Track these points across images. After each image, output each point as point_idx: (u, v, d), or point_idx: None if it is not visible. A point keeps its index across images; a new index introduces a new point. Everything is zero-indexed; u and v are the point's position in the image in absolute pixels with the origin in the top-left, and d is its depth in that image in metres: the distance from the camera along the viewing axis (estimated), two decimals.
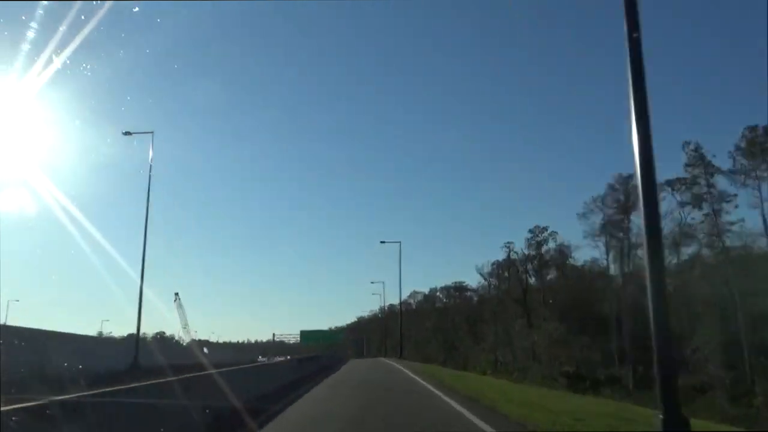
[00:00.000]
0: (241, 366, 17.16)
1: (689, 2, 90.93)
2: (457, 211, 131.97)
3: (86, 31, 11.28)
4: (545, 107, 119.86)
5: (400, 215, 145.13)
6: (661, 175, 43.81)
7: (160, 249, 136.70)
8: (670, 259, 47.97)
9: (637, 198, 6.59)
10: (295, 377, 22.07)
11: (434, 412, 12.29)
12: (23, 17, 10.15)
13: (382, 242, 65.04)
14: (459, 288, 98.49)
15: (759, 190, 42.75)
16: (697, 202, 46.94)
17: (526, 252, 72.50)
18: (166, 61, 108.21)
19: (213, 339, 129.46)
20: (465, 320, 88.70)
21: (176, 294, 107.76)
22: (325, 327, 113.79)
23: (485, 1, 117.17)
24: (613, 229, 55.71)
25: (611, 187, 54.94)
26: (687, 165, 47.24)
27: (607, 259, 58.16)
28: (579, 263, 66.80)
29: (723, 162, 45.63)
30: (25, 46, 10.24)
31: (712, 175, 46.11)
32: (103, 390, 6.83)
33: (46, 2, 9.72)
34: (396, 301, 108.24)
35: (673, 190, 47.92)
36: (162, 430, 7.60)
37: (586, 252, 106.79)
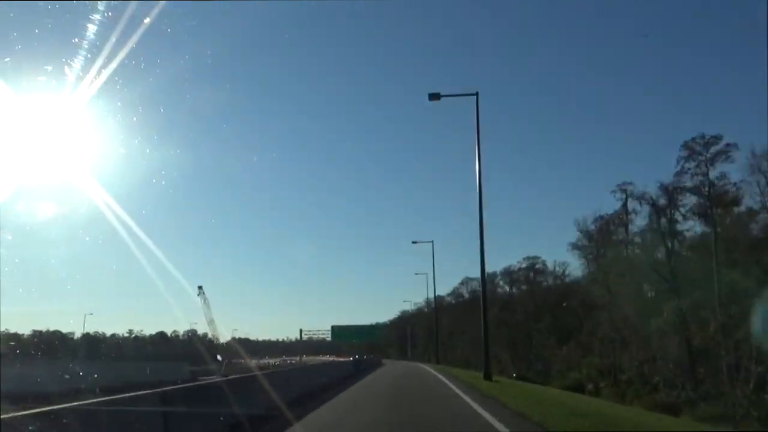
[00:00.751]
0: None
1: None
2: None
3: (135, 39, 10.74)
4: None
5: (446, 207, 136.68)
6: None
7: (189, 245, 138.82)
8: None
9: None
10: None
11: None
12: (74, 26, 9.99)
13: (413, 242, 57.15)
14: (532, 268, 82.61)
15: None
16: None
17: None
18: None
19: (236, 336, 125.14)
20: (545, 310, 70.66)
21: (200, 287, 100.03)
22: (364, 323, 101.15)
23: None
24: None
25: None
26: None
27: None
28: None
29: None
30: (81, 54, 9.97)
31: None
32: None
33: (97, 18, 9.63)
34: (448, 291, 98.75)
35: None
36: None
37: None
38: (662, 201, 47.57)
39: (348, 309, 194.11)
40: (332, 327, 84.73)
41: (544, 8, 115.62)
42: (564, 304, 64.63)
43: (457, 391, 18.29)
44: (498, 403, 13.68)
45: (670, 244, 46.56)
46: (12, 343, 69.94)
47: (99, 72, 10.49)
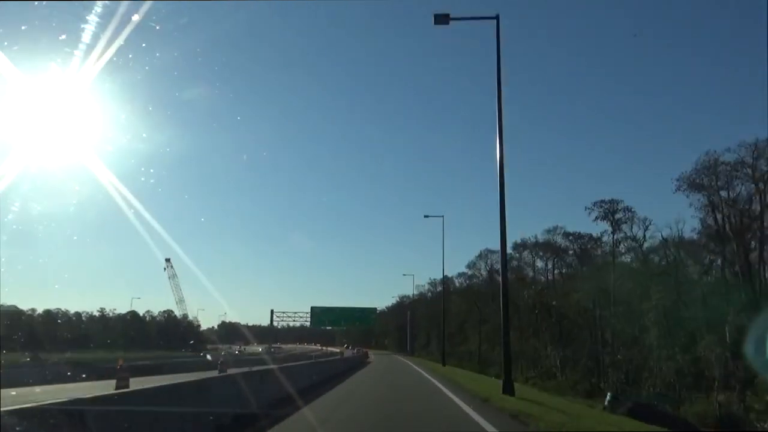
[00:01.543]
0: None
1: None
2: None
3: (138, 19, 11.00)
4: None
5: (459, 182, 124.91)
6: None
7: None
8: None
9: None
10: None
11: None
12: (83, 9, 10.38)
13: (425, 216, 49.32)
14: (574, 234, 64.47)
15: None
16: None
17: None
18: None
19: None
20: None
21: (167, 260, 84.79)
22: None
23: None
24: None
25: None
26: None
27: None
28: None
29: None
30: (87, 34, 10.31)
31: None
32: None
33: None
34: (458, 270, 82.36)
35: None
36: None
37: None
38: None
39: (341, 294, 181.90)
40: (312, 309, 69.59)
41: None
42: None
43: None
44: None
45: None
46: None
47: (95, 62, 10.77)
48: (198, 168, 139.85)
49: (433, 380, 24.21)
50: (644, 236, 50.85)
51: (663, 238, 48.68)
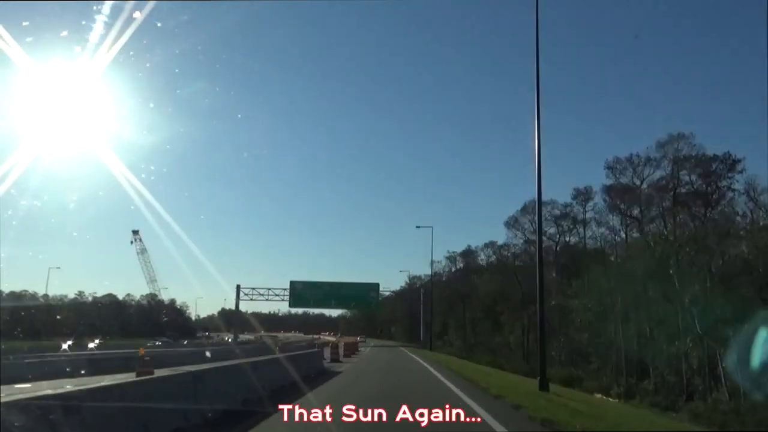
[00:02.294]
0: None
1: None
2: None
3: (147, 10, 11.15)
4: None
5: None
6: None
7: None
8: None
9: None
10: None
11: None
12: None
13: (417, 227, 51.87)
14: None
15: None
16: None
17: None
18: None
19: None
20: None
21: (134, 232, 70.99)
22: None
23: None
24: None
25: None
26: None
27: None
28: None
29: None
30: (88, 31, 10.55)
31: None
32: None
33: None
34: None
35: None
36: None
37: None
38: None
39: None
40: (292, 284, 55.38)
41: None
42: None
43: None
44: None
45: None
46: None
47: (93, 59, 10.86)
48: (197, 164, 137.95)
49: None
50: None
51: None
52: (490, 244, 66.29)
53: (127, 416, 6.66)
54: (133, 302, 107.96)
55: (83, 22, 10.48)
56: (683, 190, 46.34)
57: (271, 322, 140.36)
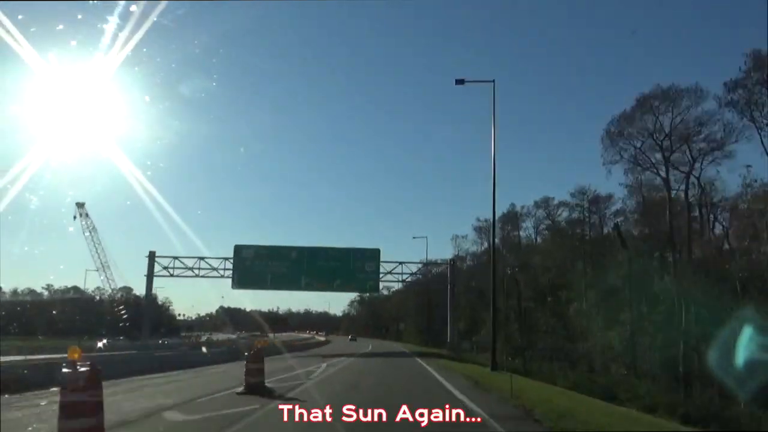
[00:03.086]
0: None
1: None
2: None
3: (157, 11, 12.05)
4: None
5: None
6: None
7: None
8: None
9: None
10: None
11: None
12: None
13: (414, 237, 36.71)
14: None
15: None
16: None
17: None
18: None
19: None
20: None
21: (79, 206, 56.69)
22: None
23: None
24: None
25: None
26: None
27: None
28: None
29: None
30: (110, 28, 11.38)
31: None
32: None
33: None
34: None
35: None
36: None
37: None
38: None
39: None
40: (236, 248, 40.24)
41: None
42: None
43: None
44: None
45: None
46: None
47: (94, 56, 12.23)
48: (197, 161, 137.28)
49: None
50: None
51: None
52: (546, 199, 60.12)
53: None
54: (102, 295, 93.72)
55: (99, 25, 11.45)
56: None
57: (273, 321, 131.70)
